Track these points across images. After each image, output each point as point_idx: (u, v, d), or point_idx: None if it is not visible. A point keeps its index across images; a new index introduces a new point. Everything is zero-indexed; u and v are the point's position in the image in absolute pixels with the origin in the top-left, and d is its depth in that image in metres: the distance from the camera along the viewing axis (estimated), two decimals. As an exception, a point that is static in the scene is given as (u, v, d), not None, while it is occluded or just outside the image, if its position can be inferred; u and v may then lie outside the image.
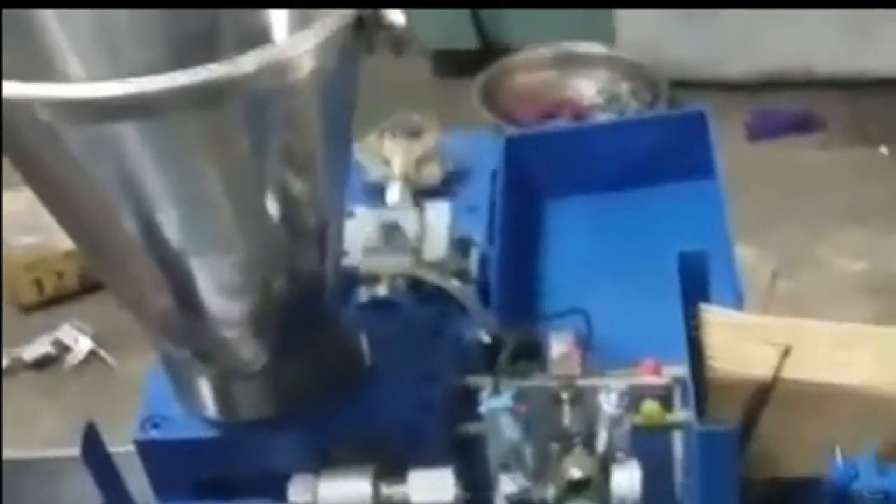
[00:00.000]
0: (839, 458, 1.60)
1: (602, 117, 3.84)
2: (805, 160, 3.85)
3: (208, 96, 1.29)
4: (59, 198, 1.44)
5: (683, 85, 3.96)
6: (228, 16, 1.56)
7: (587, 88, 4.07)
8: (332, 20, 1.35)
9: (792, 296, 3.08)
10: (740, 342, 1.69)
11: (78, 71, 1.53)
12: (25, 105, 1.29)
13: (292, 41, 1.38)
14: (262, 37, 1.52)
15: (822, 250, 3.47)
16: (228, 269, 1.49)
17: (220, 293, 1.51)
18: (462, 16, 4.22)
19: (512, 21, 4.26)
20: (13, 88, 1.28)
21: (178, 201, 1.40)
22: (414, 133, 2.12)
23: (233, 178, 1.40)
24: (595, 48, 4.12)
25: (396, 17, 1.41)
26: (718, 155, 2.16)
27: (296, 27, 1.50)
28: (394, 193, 2.02)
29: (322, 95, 1.40)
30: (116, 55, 1.55)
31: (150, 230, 1.41)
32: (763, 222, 3.37)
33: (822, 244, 3.49)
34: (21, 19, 1.49)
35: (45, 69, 1.50)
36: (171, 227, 1.41)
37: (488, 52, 4.22)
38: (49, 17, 1.51)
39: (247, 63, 1.28)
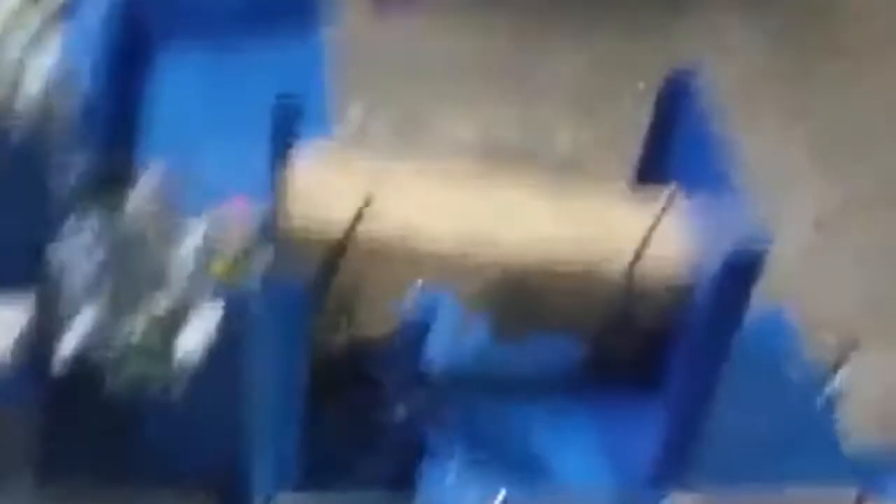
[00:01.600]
0: (419, 290, 1.65)
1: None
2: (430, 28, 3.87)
3: None
4: None
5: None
6: None
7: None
8: None
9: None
10: (326, 189, 1.74)
11: None
12: None
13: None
14: None
15: (439, 109, 3.53)
16: None
17: None
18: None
19: None
20: None
21: None
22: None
23: None
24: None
25: None
26: (333, 8, 2.21)
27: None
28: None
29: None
30: None
31: None
32: (382, 78, 3.40)
33: (438, 104, 3.55)
34: None
35: None
36: None
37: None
38: None
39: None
